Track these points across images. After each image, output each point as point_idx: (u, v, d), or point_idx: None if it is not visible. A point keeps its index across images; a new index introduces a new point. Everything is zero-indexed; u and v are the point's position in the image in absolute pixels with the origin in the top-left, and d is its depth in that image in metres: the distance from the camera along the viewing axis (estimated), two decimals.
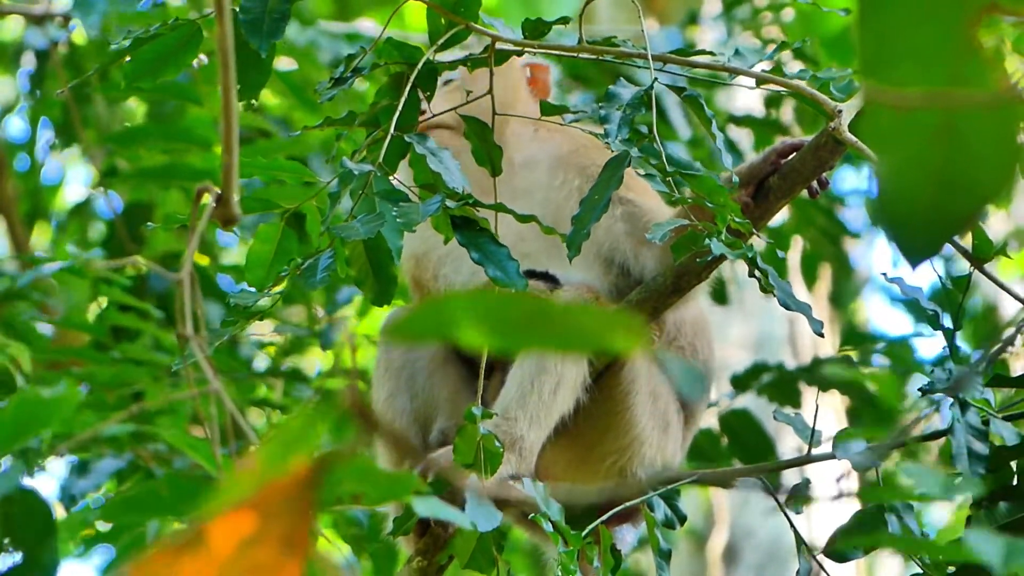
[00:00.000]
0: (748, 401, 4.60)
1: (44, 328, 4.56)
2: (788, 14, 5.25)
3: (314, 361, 5.16)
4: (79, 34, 5.05)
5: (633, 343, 1.37)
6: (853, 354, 4.54)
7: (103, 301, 4.37)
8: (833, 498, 3.01)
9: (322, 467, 1.44)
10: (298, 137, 3.83)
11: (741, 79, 3.03)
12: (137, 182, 4.86)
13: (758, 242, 2.95)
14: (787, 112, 5.10)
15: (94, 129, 5.04)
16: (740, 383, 4.61)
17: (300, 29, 4.91)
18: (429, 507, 1.91)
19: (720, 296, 4.91)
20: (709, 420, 4.57)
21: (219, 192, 1.99)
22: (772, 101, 5.11)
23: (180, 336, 1.99)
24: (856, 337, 5.80)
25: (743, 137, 5.14)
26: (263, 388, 4.47)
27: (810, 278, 5.24)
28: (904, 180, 1.36)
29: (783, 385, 4.56)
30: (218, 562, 1.36)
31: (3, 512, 2.15)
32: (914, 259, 1.39)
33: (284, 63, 4.88)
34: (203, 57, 4.62)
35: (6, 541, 2.15)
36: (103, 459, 3.99)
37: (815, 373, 4.55)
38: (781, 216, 4.96)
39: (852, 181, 5.12)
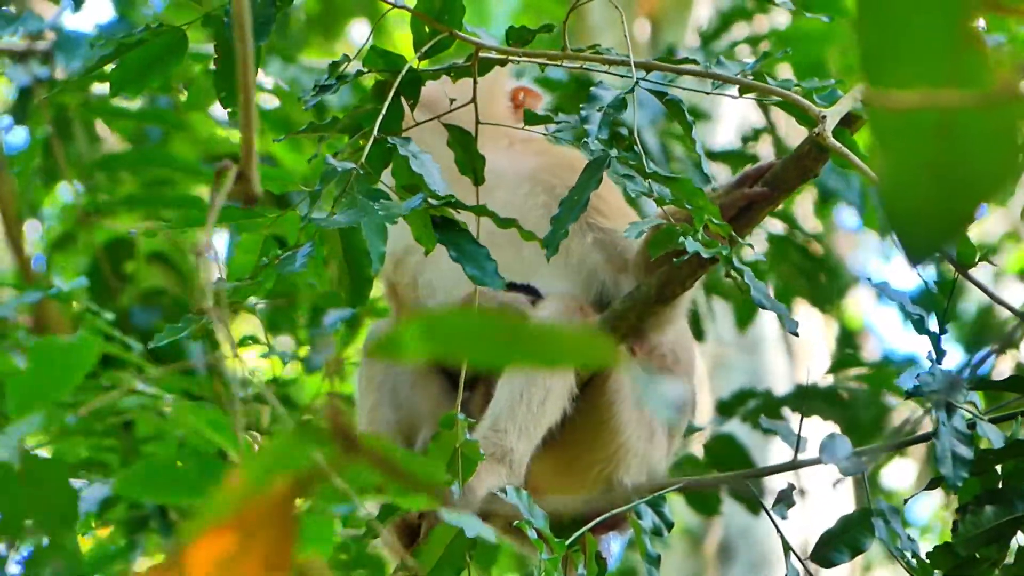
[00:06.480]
0: (733, 427, 4.59)
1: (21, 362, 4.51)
2: (765, 45, 5.27)
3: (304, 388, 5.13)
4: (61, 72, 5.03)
5: (608, 360, 1.46)
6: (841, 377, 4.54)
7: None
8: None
9: (304, 485, 1.44)
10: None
11: (724, 87, 3.04)
12: (119, 214, 4.84)
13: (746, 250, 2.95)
14: (766, 148, 5.11)
15: (75, 167, 5.02)
16: (726, 409, 4.60)
17: (283, 66, 4.91)
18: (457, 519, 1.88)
19: (696, 333, 4.89)
20: (694, 446, 4.56)
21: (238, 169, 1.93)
22: (748, 138, 5.13)
23: (199, 311, 1.97)
24: (849, 337, 5.79)
25: (720, 172, 5.13)
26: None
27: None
28: (905, 178, 1.37)
29: (769, 411, 4.54)
30: None
31: (28, 493, 2.08)
32: (916, 256, 1.40)
33: (265, 99, 4.87)
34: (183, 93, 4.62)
35: (29, 523, 2.09)
36: (91, 486, 3.94)
37: (801, 399, 4.54)
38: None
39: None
